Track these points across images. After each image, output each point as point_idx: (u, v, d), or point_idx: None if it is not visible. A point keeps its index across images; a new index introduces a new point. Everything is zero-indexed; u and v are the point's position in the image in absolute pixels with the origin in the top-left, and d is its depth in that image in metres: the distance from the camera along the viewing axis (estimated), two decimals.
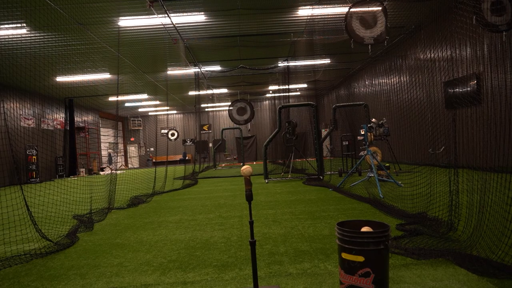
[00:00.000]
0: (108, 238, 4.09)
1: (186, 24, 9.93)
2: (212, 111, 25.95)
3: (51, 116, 17.30)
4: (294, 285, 2.39)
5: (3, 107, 5.00)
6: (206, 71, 14.87)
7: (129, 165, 27.52)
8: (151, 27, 9.75)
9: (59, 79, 13.95)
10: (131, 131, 27.63)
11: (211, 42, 11.26)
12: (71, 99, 18.20)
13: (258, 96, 23.88)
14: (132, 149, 28.09)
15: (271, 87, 18.96)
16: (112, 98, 18.70)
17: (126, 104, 21.69)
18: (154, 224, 4.69)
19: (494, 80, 7.84)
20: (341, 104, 10.69)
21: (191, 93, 18.69)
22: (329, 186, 7.31)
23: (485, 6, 5.61)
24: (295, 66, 14.09)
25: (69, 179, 15.95)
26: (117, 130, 26.83)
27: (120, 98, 19.18)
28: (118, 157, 26.37)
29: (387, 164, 8.97)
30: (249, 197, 2.16)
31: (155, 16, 8.80)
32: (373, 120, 8.14)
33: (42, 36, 9.61)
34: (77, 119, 19.33)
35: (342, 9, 8.93)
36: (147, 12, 8.53)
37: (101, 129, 23.19)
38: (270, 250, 3.22)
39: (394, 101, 12.70)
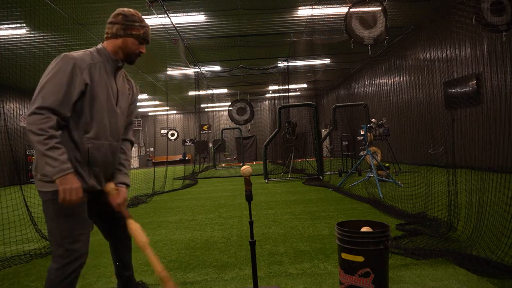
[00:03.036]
0: None
1: (186, 24, 9.92)
2: (212, 111, 25.94)
3: None
4: (294, 285, 2.39)
5: (3, 107, 4.99)
6: (206, 71, 14.87)
7: (129, 165, 27.49)
8: (151, 27, 9.70)
9: None
10: None
11: (211, 42, 11.26)
12: None
13: (258, 96, 23.88)
14: (132, 149, 28.07)
15: (271, 87, 18.96)
16: None
17: None
18: (154, 224, 4.69)
19: (494, 81, 7.84)
20: (341, 104, 10.69)
21: (191, 93, 18.68)
22: (329, 186, 7.31)
23: (485, 6, 5.61)
24: (295, 66, 14.09)
25: None
26: None
27: None
28: None
29: (387, 164, 8.97)
30: (249, 197, 2.16)
31: (155, 16, 8.79)
32: (373, 120, 8.14)
33: (42, 36, 9.60)
34: None
35: (342, 9, 8.94)
36: (147, 12, 8.51)
37: None
38: (270, 250, 3.22)
39: (394, 101, 12.72)
